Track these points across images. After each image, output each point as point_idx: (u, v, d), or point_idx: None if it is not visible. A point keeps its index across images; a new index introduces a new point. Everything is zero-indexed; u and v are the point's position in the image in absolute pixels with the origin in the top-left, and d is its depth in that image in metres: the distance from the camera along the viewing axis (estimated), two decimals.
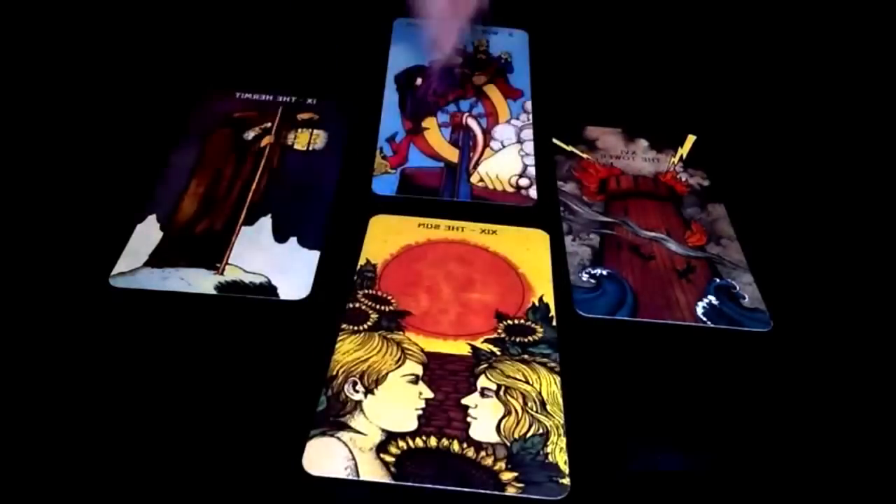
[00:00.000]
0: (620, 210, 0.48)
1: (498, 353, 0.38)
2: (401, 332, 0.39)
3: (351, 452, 0.33)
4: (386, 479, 0.33)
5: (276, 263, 0.42)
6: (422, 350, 0.38)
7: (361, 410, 0.35)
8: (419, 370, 0.37)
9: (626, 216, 0.47)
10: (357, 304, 0.40)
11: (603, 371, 0.38)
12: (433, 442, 0.34)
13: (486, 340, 0.39)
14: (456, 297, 0.41)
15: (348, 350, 0.38)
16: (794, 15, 0.62)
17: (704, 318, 0.41)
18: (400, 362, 0.38)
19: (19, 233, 0.43)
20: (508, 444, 0.34)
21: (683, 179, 0.50)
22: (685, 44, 0.61)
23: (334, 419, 0.35)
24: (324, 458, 0.33)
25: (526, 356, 0.38)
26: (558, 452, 0.34)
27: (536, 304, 0.41)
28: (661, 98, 0.57)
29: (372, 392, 0.36)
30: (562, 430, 0.35)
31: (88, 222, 0.44)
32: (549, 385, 0.37)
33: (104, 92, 0.53)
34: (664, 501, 0.34)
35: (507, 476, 0.33)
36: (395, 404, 0.36)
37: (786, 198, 0.49)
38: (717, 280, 0.43)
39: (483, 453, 0.34)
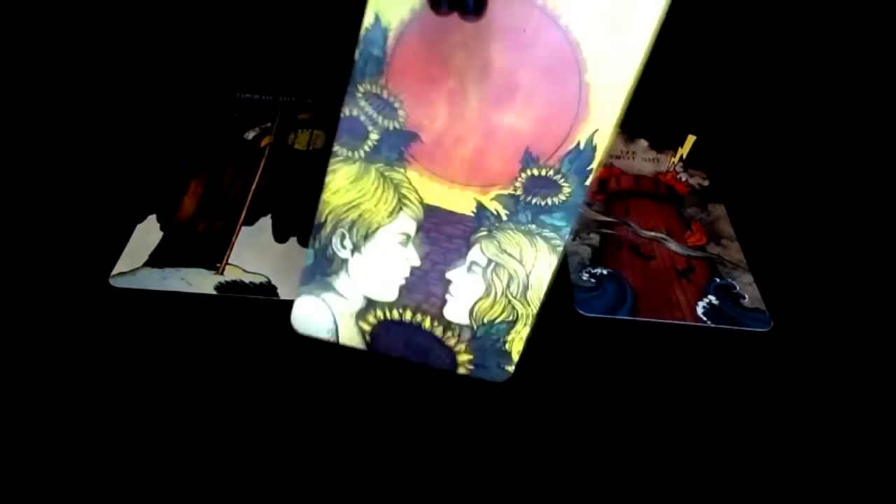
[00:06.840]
0: (621, 210, 0.48)
1: (504, 217, 0.33)
2: (402, 168, 0.33)
3: (334, 316, 0.35)
4: (360, 346, 0.35)
5: (276, 263, 0.42)
6: (420, 201, 0.33)
7: (346, 270, 0.35)
8: (412, 228, 0.34)
9: (626, 216, 0.47)
10: (354, 111, 0.32)
11: (603, 371, 0.38)
12: (408, 315, 0.35)
13: (497, 197, 0.33)
14: (482, 118, 0.31)
15: (339, 189, 0.33)
16: (793, 15, 0.62)
17: (704, 318, 0.41)
18: (393, 214, 0.34)
19: (20, 233, 0.43)
20: (475, 327, 0.35)
21: (683, 179, 0.50)
22: (684, 44, 0.61)
23: (321, 277, 0.35)
24: (310, 318, 0.35)
25: (533, 226, 0.33)
26: (517, 341, 0.35)
27: (581, 146, 0.31)
28: (661, 98, 0.57)
29: (359, 250, 0.35)
30: (530, 321, 0.35)
31: (89, 222, 0.44)
32: (541, 268, 0.34)
33: (105, 92, 0.53)
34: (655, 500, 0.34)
35: (462, 358, 0.35)
36: (380, 268, 0.35)
37: (786, 198, 0.49)
38: (718, 280, 0.43)
39: (449, 333, 0.35)
